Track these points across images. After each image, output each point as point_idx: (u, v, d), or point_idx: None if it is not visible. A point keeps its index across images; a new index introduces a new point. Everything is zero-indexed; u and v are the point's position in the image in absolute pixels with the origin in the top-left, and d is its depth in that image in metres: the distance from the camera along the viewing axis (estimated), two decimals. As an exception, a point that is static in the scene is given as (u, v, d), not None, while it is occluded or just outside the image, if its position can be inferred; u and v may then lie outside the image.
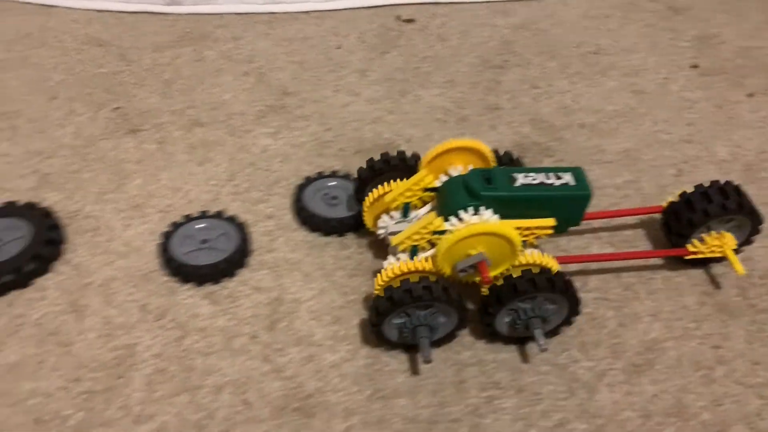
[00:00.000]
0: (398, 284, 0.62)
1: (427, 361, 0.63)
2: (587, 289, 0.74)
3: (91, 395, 0.63)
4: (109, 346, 0.67)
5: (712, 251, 0.73)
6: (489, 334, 0.68)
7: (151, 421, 0.61)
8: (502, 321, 0.66)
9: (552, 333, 0.68)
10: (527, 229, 0.66)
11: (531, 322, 0.65)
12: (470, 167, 0.70)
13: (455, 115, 0.97)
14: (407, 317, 0.64)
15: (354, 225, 0.78)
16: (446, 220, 0.65)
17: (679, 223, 0.74)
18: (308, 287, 0.73)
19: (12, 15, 1.13)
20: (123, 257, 0.75)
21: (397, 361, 0.67)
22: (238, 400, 0.63)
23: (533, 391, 0.65)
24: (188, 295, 0.72)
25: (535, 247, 0.69)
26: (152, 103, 0.97)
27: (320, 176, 0.84)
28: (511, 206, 0.65)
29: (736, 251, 0.73)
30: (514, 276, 0.64)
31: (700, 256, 0.73)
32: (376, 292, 0.65)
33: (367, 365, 0.66)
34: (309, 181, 0.83)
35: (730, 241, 0.72)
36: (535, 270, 0.64)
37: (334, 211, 0.80)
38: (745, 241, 0.75)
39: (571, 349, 0.69)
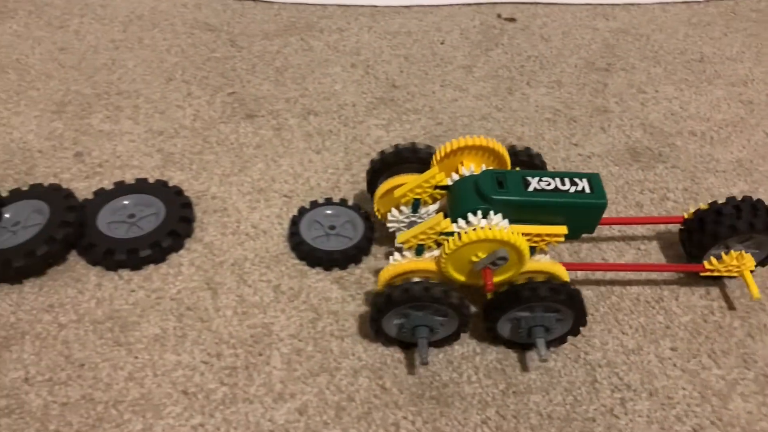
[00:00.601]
0: (400, 282, 0.62)
1: (424, 363, 0.62)
2: (710, 298, 0.74)
3: (233, 371, 0.65)
4: (246, 324, 0.68)
5: (729, 270, 0.71)
6: (491, 338, 0.67)
7: (292, 399, 0.63)
8: (505, 326, 0.65)
9: (558, 342, 0.67)
10: (538, 235, 0.64)
11: (533, 331, 0.63)
12: (483, 167, 0.69)
13: (565, 116, 0.97)
14: (407, 317, 0.63)
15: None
16: (454, 221, 0.63)
17: (692, 241, 0.73)
18: (433, 279, 0.74)
19: (124, -3, 1.16)
20: (252, 239, 0.77)
21: (527, 358, 0.67)
22: (376, 385, 0.64)
23: (666, 395, 0.65)
24: (318, 278, 0.73)
25: (545, 253, 0.68)
26: (266, 90, 0.99)
27: (438, 170, 0.85)
28: (522, 211, 0.63)
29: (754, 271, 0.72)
30: (519, 283, 0.62)
31: (716, 274, 0.71)
32: (380, 287, 0.64)
33: (499, 360, 0.67)
34: (427, 174, 0.84)
35: (748, 261, 0.70)
36: (541, 278, 0.63)
37: (454, 205, 0.80)
38: (764, 261, 0.74)
39: (701, 356, 0.68)
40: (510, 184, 0.63)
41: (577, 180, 0.64)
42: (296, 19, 1.14)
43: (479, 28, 1.15)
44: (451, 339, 0.67)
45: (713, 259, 0.71)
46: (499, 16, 1.18)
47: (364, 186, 0.84)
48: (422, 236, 0.64)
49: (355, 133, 0.92)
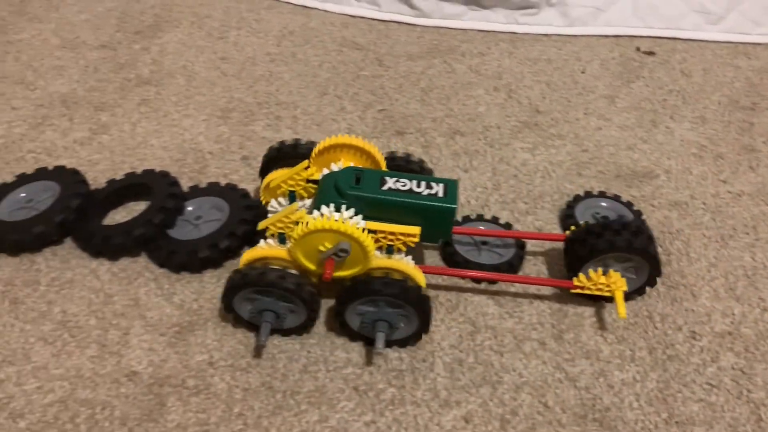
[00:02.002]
0: (257, 266, 0.66)
1: (261, 346, 0.67)
2: None
3: (399, 374, 0.67)
4: (409, 330, 0.71)
5: (600, 289, 0.70)
6: (339, 325, 0.69)
7: (457, 406, 0.65)
8: (354, 317, 0.67)
9: (401, 344, 0.69)
10: (391, 234, 0.66)
11: (375, 325, 0.66)
12: (351, 164, 0.71)
13: (711, 152, 0.97)
14: (257, 300, 0.66)
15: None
16: (310, 212, 0.67)
17: (570, 256, 0.73)
18: (587, 303, 0.75)
19: (277, 14, 1.23)
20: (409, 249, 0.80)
21: (688, 390, 0.67)
22: (538, 402, 0.66)
23: (837, 443, 0.64)
24: (474, 292, 0.75)
25: (408, 254, 0.69)
26: (413, 108, 1.02)
27: (589, 195, 0.86)
28: (376, 209, 0.66)
29: (632, 295, 0.73)
30: (374, 276, 0.65)
31: (586, 292, 0.71)
32: (240, 266, 0.67)
33: (659, 389, 0.67)
34: (578, 199, 0.85)
35: (618, 281, 0.69)
36: (397, 276, 0.65)
37: (606, 233, 0.81)
38: (642, 287, 0.73)
39: None
40: (366, 182, 0.67)
41: (433, 184, 0.67)
42: (438, 42, 1.17)
43: (618, 59, 1.16)
44: (298, 330, 0.70)
45: (582, 276, 0.70)
46: (638, 49, 1.19)
47: (512, 206, 0.87)
48: (279, 224, 0.67)
49: (501, 154, 0.95)
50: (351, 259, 0.65)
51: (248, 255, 0.68)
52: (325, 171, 0.71)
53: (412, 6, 1.21)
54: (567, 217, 0.83)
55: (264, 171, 0.78)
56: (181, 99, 1.02)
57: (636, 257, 0.71)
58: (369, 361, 0.68)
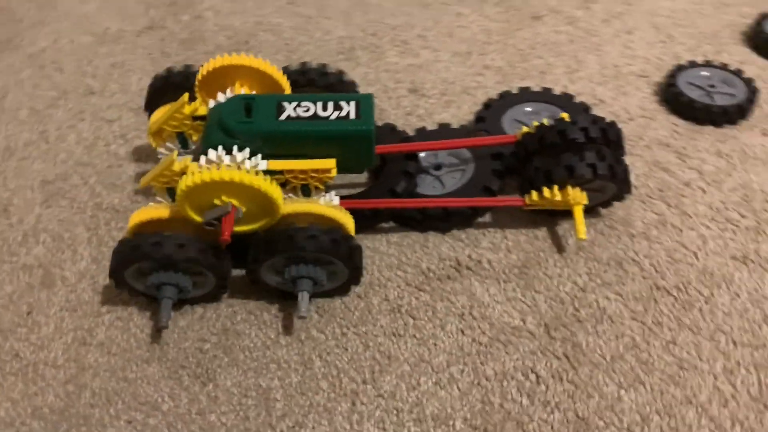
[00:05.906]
0: (148, 234, 0.54)
1: (163, 327, 0.55)
2: None
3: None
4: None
5: (555, 205, 0.60)
6: (251, 281, 0.58)
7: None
8: (270, 274, 0.57)
9: (326, 294, 0.59)
10: (302, 172, 0.55)
11: (298, 283, 0.55)
12: (242, 91, 0.59)
13: None
14: (153, 272, 0.55)
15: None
16: (196, 159, 0.55)
17: (521, 169, 0.63)
18: None
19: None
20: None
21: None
22: None
23: None
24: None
25: (328, 190, 0.58)
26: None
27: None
28: (276, 144, 0.54)
29: (593, 209, 0.63)
30: (296, 227, 0.54)
31: (538, 208, 0.62)
32: (128, 233, 0.57)
33: None
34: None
35: (578, 196, 0.59)
36: (309, 222, 0.54)
37: None
38: (607, 202, 0.63)
39: None
40: (260, 113, 0.55)
41: (343, 104, 0.56)
42: None
43: None
44: (207, 298, 0.59)
45: (534, 194, 0.60)
46: None
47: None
48: (162, 179, 0.55)
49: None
50: (254, 212, 0.53)
51: (137, 217, 0.55)
52: (212, 103, 0.58)
53: None
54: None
55: (150, 104, 0.65)
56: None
57: (601, 182, 0.59)
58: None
